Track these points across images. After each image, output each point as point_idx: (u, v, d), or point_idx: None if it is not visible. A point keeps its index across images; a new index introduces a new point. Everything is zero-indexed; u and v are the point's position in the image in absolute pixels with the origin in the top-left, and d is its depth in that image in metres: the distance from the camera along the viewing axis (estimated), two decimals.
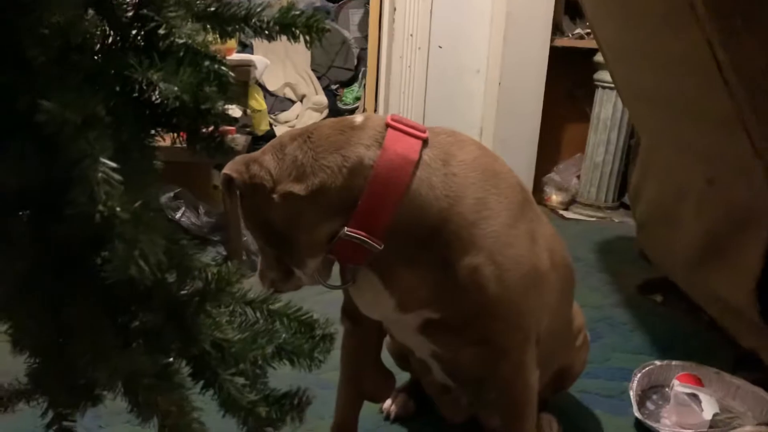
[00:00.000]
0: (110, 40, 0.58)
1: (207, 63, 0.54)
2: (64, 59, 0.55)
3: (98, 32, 0.57)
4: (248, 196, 0.99)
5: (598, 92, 3.46)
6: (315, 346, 0.74)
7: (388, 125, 0.98)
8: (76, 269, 0.56)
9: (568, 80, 3.63)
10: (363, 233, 0.95)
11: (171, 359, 0.64)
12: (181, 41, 0.55)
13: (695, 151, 1.82)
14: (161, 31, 0.56)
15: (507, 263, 0.99)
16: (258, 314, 0.74)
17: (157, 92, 0.53)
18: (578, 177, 3.69)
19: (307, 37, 0.59)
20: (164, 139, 0.62)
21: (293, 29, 0.57)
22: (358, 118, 1.02)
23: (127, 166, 0.53)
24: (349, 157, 0.95)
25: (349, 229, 0.95)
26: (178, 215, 2.30)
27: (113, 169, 0.49)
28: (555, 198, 3.70)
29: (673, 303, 2.28)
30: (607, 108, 3.42)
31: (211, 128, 0.57)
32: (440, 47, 3.39)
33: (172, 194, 2.31)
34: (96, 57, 0.57)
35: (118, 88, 0.56)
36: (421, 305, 1.03)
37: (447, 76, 3.45)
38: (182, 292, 0.57)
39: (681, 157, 1.93)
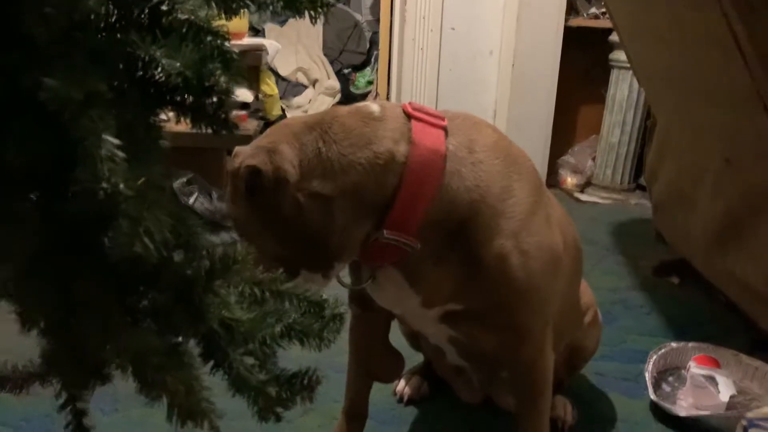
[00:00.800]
0: (114, 17, 0.57)
1: (210, 39, 0.53)
2: (67, 37, 0.54)
3: (102, 10, 0.56)
4: (268, 192, 0.88)
5: (614, 72, 3.40)
6: (324, 326, 0.73)
7: (409, 115, 0.95)
8: (85, 249, 0.56)
9: (584, 61, 3.58)
10: (401, 234, 0.92)
11: (180, 339, 0.64)
12: (183, 17, 0.54)
13: (712, 131, 1.78)
14: (164, 8, 0.55)
15: (532, 251, 0.98)
16: (267, 294, 0.74)
17: (159, 69, 0.53)
18: (593, 159, 3.65)
19: (312, 13, 0.58)
20: (169, 119, 0.61)
21: (297, 4, 0.56)
22: (374, 106, 0.96)
23: (131, 144, 0.52)
24: (381, 153, 0.90)
25: (388, 231, 0.91)
26: (191, 201, 2.31)
27: (117, 147, 0.49)
28: (570, 181, 3.66)
29: (690, 285, 2.26)
30: (623, 88, 3.37)
31: (214, 100, 0.56)
32: (453, 29, 3.35)
33: (185, 179, 2.32)
34: (100, 35, 0.57)
35: (121, 66, 0.56)
36: (447, 300, 1.01)
37: (460, 58, 3.42)
38: (188, 272, 0.57)
39: (698, 136, 1.90)
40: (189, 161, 2.33)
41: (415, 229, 0.92)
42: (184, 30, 0.52)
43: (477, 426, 1.48)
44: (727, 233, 1.76)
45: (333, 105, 3.02)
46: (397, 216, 0.91)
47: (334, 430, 1.33)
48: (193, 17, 0.53)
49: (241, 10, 0.60)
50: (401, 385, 1.57)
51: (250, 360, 0.69)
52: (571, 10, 3.46)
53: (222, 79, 0.52)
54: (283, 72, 4.11)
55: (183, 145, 2.19)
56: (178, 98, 0.57)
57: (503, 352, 1.11)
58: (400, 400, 1.55)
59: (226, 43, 0.54)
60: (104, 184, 0.47)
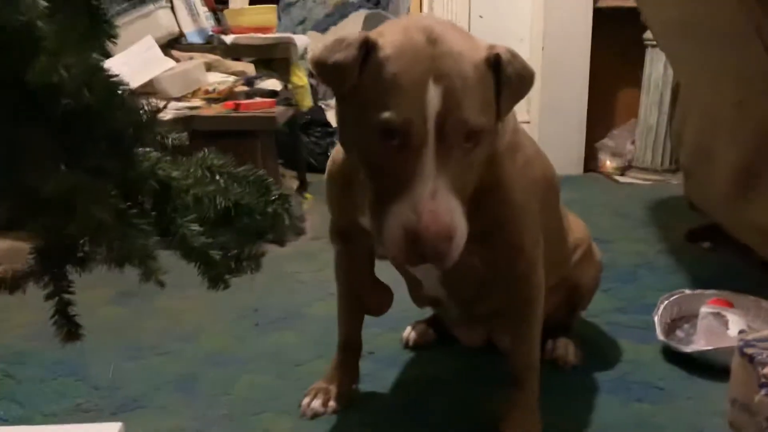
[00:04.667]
0: None
1: None
2: None
3: None
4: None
5: (648, 51, 3.35)
6: (271, 203, 0.79)
7: None
8: (32, 105, 0.63)
9: (618, 43, 3.54)
10: None
11: (129, 204, 0.71)
12: None
13: (725, 75, 1.75)
14: None
15: (522, 179, 1.11)
16: (218, 177, 0.80)
17: None
18: (633, 142, 3.59)
19: None
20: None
21: None
22: None
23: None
24: None
25: None
26: None
27: None
28: (609, 164, 3.61)
29: (723, 249, 2.20)
30: (658, 67, 3.31)
31: None
32: (481, 17, 3.38)
33: None
34: None
35: None
36: None
37: None
38: (118, 125, 0.63)
39: (713, 85, 1.87)
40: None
41: None
42: None
43: (477, 367, 1.49)
44: (745, 180, 1.72)
45: None
46: None
47: (332, 362, 1.37)
48: None
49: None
50: (407, 330, 1.60)
51: (195, 227, 0.75)
52: None
53: None
54: None
55: (210, 128, 2.31)
56: None
57: (500, 269, 1.17)
58: (406, 345, 1.59)
59: None
60: (21, 17, 0.54)
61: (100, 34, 0.63)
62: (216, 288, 0.78)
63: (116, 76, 0.63)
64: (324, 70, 0.94)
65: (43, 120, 0.64)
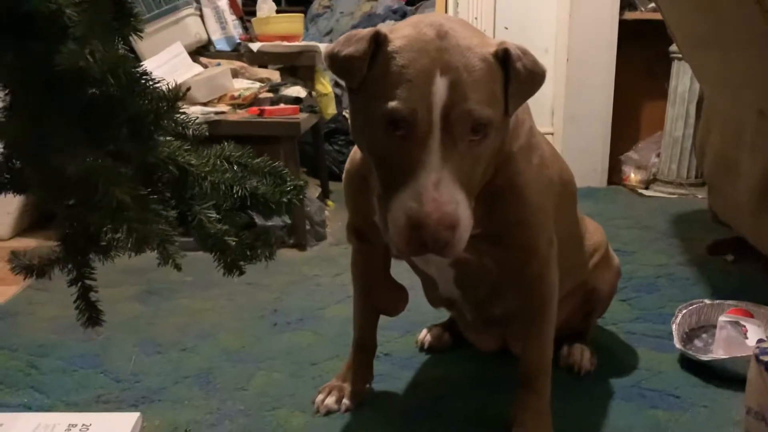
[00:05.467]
0: None
1: None
2: None
3: None
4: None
5: (675, 64, 3.33)
6: (286, 193, 0.82)
7: None
8: (56, 92, 0.67)
9: (643, 55, 3.52)
10: None
11: (149, 190, 0.74)
12: None
13: (747, 84, 1.74)
14: None
15: (538, 181, 1.13)
16: (235, 167, 0.83)
17: None
18: (658, 155, 3.55)
19: None
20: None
21: None
22: None
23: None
24: None
25: None
26: None
27: None
28: (633, 177, 3.57)
29: (745, 262, 2.17)
30: (684, 80, 3.28)
31: None
32: (506, 28, 3.40)
33: None
34: None
35: None
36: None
37: None
38: (138, 112, 0.66)
39: (736, 94, 1.86)
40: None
41: None
42: None
43: (491, 371, 1.49)
44: None
45: None
46: None
47: (347, 361, 1.39)
48: None
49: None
50: (423, 333, 1.61)
51: (212, 213, 0.77)
52: (628, 4, 3.43)
53: None
54: None
55: (234, 133, 2.35)
56: None
57: (513, 269, 1.18)
58: (421, 348, 1.59)
59: None
60: (51, 5, 0.57)
61: (125, 26, 0.66)
62: (231, 274, 0.80)
63: (140, 65, 0.66)
64: (336, 63, 0.96)
65: (68, 105, 0.68)
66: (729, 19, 1.63)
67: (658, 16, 3.32)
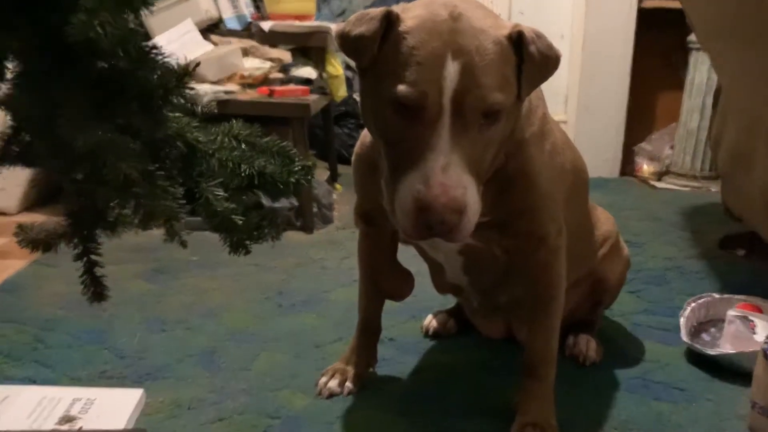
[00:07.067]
0: None
1: None
2: None
3: None
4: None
5: (693, 55, 3.28)
6: (294, 173, 0.81)
7: None
8: (66, 63, 0.66)
9: (662, 45, 3.47)
10: None
11: (157, 166, 0.73)
12: None
13: (764, 77, 1.71)
14: None
15: (548, 168, 1.11)
16: (243, 146, 0.82)
17: None
18: (672, 147, 3.51)
19: None
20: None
21: None
22: None
23: None
24: None
25: None
26: None
27: None
28: (646, 168, 3.53)
29: (757, 256, 2.14)
30: (702, 71, 3.23)
31: None
32: (522, 13, 3.36)
33: None
34: None
35: None
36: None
37: None
38: (148, 86, 0.65)
39: (754, 86, 1.82)
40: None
41: None
42: None
43: (495, 358, 1.49)
44: None
45: None
46: None
47: (351, 344, 1.38)
48: None
49: None
50: (428, 319, 1.60)
51: (219, 191, 0.76)
52: None
53: None
54: None
55: (244, 112, 2.34)
56: None
57: (522, 257, 1.17)
58: (426, 333, 1.59)
59: None
60: None
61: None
62: (237, 253, 0.80)
63: (149, 39, 0.65)
64: (346, 43, 0.95)
65: (78, 78, 0.67)
66: (748, 9, 1.59)
67: (677, 4, 3.27)
